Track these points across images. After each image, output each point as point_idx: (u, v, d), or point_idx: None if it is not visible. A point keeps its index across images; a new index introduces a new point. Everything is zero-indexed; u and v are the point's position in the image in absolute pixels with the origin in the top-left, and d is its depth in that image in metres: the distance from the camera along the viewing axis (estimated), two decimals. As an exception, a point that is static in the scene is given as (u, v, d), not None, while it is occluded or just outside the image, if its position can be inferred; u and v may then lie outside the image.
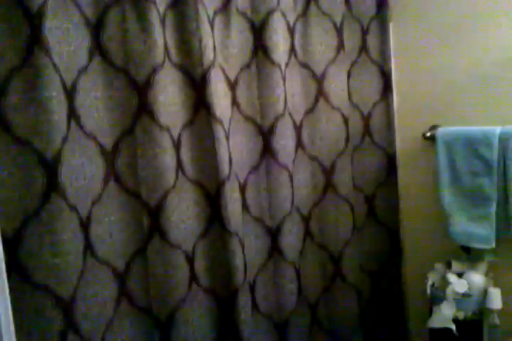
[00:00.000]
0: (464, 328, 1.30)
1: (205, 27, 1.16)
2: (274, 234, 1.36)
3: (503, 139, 1.31)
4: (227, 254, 1.22)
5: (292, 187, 1.37)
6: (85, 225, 1.04)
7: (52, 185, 0.96)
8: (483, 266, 1.37)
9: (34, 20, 0.93)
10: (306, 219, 1.44)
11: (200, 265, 1.22)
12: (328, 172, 1.46)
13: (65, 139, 0.98)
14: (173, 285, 1.15)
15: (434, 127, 1.47)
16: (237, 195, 1.25)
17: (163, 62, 1.12)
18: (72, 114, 1.01)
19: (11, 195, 0.94)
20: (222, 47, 1.24)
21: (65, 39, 1.00)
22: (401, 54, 1.53)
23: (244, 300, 1.24)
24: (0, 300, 0.66)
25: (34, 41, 0.93)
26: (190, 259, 1.19)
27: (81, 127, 1.04)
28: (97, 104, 1.07)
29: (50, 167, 0.95)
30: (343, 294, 1.48)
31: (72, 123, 1.01)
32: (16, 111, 0.94)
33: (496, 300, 1.29)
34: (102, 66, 1.07)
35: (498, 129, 1.32)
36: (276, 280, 1.36)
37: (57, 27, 0.97)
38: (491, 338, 1.34)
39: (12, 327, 0.70)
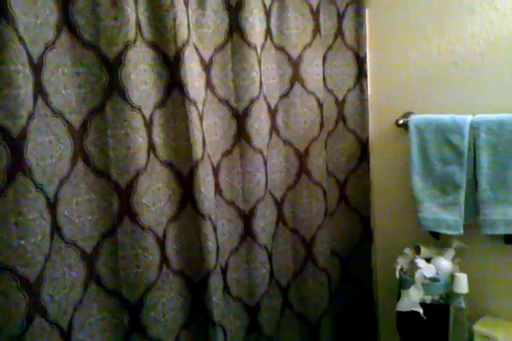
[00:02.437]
0: (430, 312, 1.32)
1: (180, 4, 1.12)
2: (247, 217, 1.35)
3: (473, 127, 1.33)
4: (199, 237, 1.20)
5: (266, 171, 1.36)
6: (53, 206, 1.01)
7: (18, 164, 0.92)
8: (450, 252, 1.40)
9: None
10: (279, 204, 1.44)
11: (171, 247, 1.21)
12: (302, 156, 1.46)
13: (31, 116, 0.94)
14: (144, 268, 1.13)
15: (407, 114, 1.48)
16: (210, 177, 1.23)
17: (135, 39, 1.08)
18: (39, 90, 0.97)
19: (-26, 173, 0.91)
20: (197, 26, 1.22)
21: (32, 11, 0.95)
22: (376, 40, 1.53)
23: (215, 283, 1.23)
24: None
25: None
26: (161, 242, 1.17)
27: (48, 104, 1.00)
28: (65, 81, 1.03)
29: (15, 144, 0.91)
30: (314, 277, 1.49)
31: (39, 100, 0.97)
32: (-21, 85, 0.89)
33: (462, 284, 1.31)
34: (71, 41, 1.03)
35: (469, 117, 1.34)
36: (248, 264, 1.36)
37: (22, -3, 0.93)
38: (457, 321, 1.36)
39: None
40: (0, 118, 0.90)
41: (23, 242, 0.93)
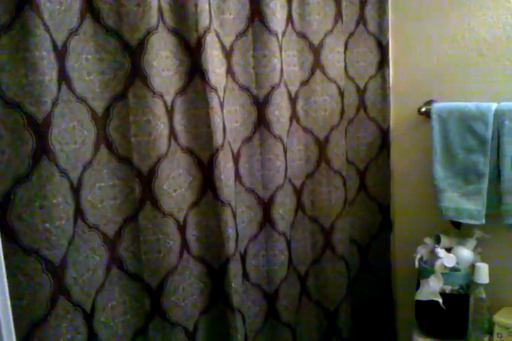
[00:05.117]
0: (450, 301, 1.32)
1: (201, -10, 1.12)
2: (266, 205, 1.35)
3: (498, 116, 1.30)
4: (219, 224, 1.21)
5: (286, 158, 1.36)
6: (76, 190, 1.03)
7: (43, 149, 0.94)
8: (471, 242, 1.38)
9: None
10: (298, 192, 1.44)
11: (191, 233, 1.22)
12: (322, 144, 1.45)
13: (55, 102, 0.95)
14: (165, 253, 1.15)
15: (429, 102, 1.46)
16: (230, 164, 1.24)
17: (157, 25, 1.08)
18: (63, 76, 0.98)
19: (0, 158, 0.92)
20: (218, 12, 1.21)
21: (56, -2, 0.96)
22: (399, 27, 1.51)
23: (235, 269, 1.24)
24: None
25: None
26: (181, 227, 1.19)
27: (72, 90, 1.01)
28: (88, 67, 1.04)
29: (40, 130, 0.93)
30: (332, 266, 1.49)
31: (63, 86, 0.98)
32: (5, 71, 0.90)
33: (483, 275, 1.30)
34: (94, 27, 1.04)
35: (493, 105, 1.32)
36: (267, 251, 1.37)
37: (47, -16, 0.94)
38: (477, 311, 1.36)
39: (7, 292, 0.69)
40: (25, 104, 0.92)
41: (47, 225, 0.96)
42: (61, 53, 0.98)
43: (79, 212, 1.04)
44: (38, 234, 0.95)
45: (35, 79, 0.92)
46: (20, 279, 0.95)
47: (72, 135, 1.01)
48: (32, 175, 0.94)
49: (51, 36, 0.94)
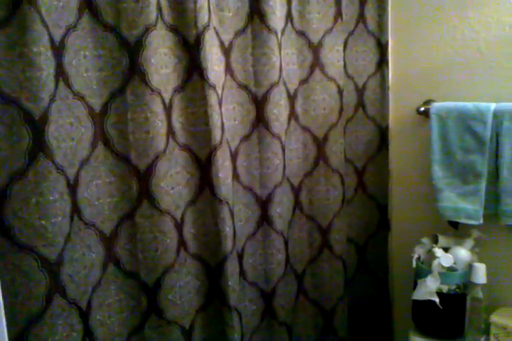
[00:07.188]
0: (447, 301, 1.32)
1: (201, -13, 1.12)
2: (264, 203, 1.35)
3: (496, 116, 1.30)
4: (216, 222, 1.21)
5: (284, 157, 1.36)
6: (73, 187, 1.02)
7: (39, 145, 0.93)
8: (469, 242, 1.38)
9: None
10: (296, 190, 1.44)
11: (188, 231, 1.21)
12: (321, 143, 1.45)
13: (52, 98, 0.95)
14: (162, 251, 1.14)
15: (428, 102, 1.46)
16: (228, 162, 1.23)
17: (156, 22, 1.08)
18: (60, 72, 0.98)
19: (-4, 154, 0.92)
20: (217, 9, 1.20)
21: (54, -7, 0.95)
22: (399, 26, 1.51)
23: (232, 267, 1.24)
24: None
25: None
26: (179, 225, 1.18)
27: (69, 86, 1.00)
28: (86, 64, 1.03)
29: (37, 126, 0.93)
30: (329, 265, 1.49)
31: (60, 82, 0.98)
32: (2, 66, 0.90)
33: (480, 275, 1.30)
34: (92, 24, 1.03)
35: (492, 105, 1.32)
36: (264, 249, 1.36)
37: (44, -21, 0.93)
38: (473, 311, 1.36)
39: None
40: (23, 101, 0.91)
41: (44, 222, 0.95)
42: (59, 49, 0.97)
43: (75, 210, 1.03)
44: (34, 231, 0.94)
45: (33, 75, 0.91)
46: (15, 276, 0.94)
47: (70, 132, 1.01)
48: (28, 172, 0.93)
49: (49, 32, 0.94)
